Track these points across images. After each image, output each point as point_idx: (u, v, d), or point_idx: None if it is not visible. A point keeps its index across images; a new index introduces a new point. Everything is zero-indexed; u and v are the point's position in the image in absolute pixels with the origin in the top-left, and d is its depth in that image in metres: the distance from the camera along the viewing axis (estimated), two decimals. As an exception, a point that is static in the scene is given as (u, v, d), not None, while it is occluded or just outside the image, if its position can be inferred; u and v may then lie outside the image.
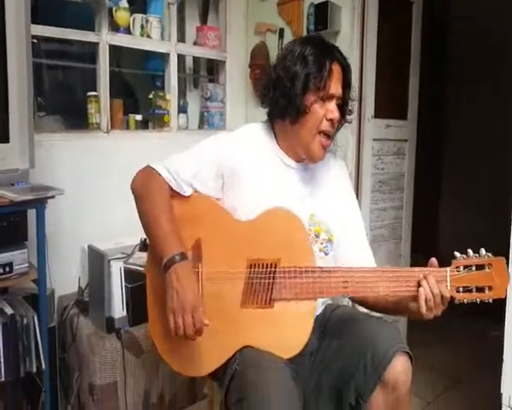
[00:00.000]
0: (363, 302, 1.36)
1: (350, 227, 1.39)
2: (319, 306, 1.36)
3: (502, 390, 1.62)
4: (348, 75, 1.29)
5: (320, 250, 1.32)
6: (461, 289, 1.17)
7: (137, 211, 1.31)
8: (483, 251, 1.18)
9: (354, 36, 2.34)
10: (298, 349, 1.20)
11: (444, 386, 2.36)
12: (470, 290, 1.18)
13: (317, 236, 1.32)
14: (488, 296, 1.17)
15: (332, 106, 1.26)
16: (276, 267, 1.22)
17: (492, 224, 1.21)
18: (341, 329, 1.28)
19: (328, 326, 1.33)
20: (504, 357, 1.61)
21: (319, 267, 1.22)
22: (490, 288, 1.17)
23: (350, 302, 1.42)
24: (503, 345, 1.61)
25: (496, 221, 1.22)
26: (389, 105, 2.51)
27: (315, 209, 1.33)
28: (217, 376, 1.27)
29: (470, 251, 1.18)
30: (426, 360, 2.41)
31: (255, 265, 1.23)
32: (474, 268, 1.17)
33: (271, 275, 1.22)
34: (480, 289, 1.17)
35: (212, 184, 1.31)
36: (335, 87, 1.25)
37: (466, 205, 3.72)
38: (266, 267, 1.22)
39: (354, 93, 1.34)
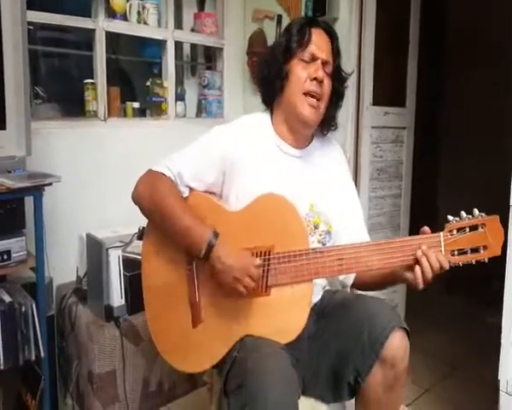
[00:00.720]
0: (358, 283, 1.38)
1: (348, 215, 1.39)
2: (318, 292, 1.36)
3: (499, 376, 1.63)
4: (335, 42, 1.32)
5: (318, 241, 1.32)
6: (456, 252, 1.17)
7: (148, 214, 1.30)
8: (476, 211, 1.17)
9: (352, 22, 2.32)
10: (296, 333, 1.20)
11: (441, 373, 2.38)
12: (465, 252, 1.17)
13: (316, 227, 1.31)
14: (483, 256, 1.16)
15: (317, 66, 1.27)
16: (269, 254, 1.22)
17: (491, 210, 1.20)
18: (339, 311, 1.29)
19: (327, 310, 1.33)
20: (502, 343, 1.61)
21: (313, 249, 1.22)
22: (485, 247, 1.16)
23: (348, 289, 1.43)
24: (500, 331, 1.62)
25: (495, 208, 1.21)
26: (387, 92, 2.51)
27: (315, 199, 1.32)
28: (216, 364, 1.28)
29: (463, 213, 1.17)
30: (423, 346, 2.42)
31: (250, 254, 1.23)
32: (467, 230, 1.16)
33: (266, 262, 1.22)
34: (474, 250, 1.16)
35: (211, 180, 1.30)
36: (319, 50, 1.28)
37: (464, 193, 3.72)
38: (260, 255, 1.22)
39: (348, 67, 1.38)
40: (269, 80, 1.31)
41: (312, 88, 1.27)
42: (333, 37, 1.32)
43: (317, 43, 1.28)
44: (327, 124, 1.37)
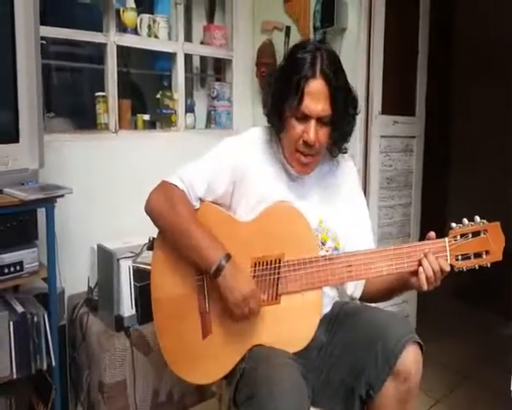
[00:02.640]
0: (367, 296, 1.37)
1: (357, 229, 1.38)
2: (329, 303, 1.36)
3: (511, 387, 1.61)
4: (337, 92, 1.19)
5: None
6: (459, 257, 1.20)
7: (161, 226, 1.30)
8: (477, 218, 1.21)
9: (361, 32, 2.32)
10: (306, 341, 1.20)
11: (453, 383, 2.34)
12: (468, 257, 1.20)
13: (324, 243, 1.31)
14: (486, 260, 1.20)
15: (309, 126, 1.20)
16: (279, 262, 1.22)
17: (502, 219, 1.20)
18: (350, 323, 1.28)
19: (337, 321, 1.32)
20: (514, 353, 1.60)
21: (322, 256, 1.23)
22: (487, 252, 1.20)
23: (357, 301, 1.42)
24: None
25: (506, 217, 1.22)
26: (397, 101, 2.50)
27: (323, 216, 1.32)
28: (226, 375, 1.28)
29: (465, 220, 1.21)
30: (435, 356, 2.39)
31: (259, 263, 1.24)
32: (470, 236, 1.20)
33: (276, 271, 1.23)
34: (477, 255, 1.20)
35: (222, 191, 1.30)
36: (313, 106, 1.18)
37: (475, 201, 3.69)
38: (270, 264, 1.23)
39: (351, 110, 1.27)
40: (268, 118, 1.30)
41: (303, 149, 1.23)
42: (336, 86, 1.19)
43: (312, 99, 1.18)
44: (335, 149, 1.32)
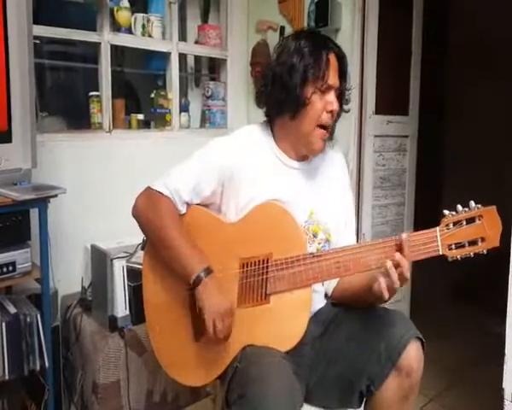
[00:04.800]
0: (342, 297, 1.36)
1: (343, 226, 1.39)
2: (321, 300, 1.37)
3: (503, 385, 1.62)
4: (344, 65, 1.29)
5: (317, 250, 1.30)
6: (453, 246, 1.14)
7: (146, 234, 1.31)
8: (472, 204, 1.15)
9: (355, 32, 2.34)
10: (297, 339, 1.20)
11: (447, 382, 2.35)
12: (463, 246, 1.14)
13: (315, 235, 1.31)
14: (481, 248, 1.14)
15: (331, 97, 1.25)
16: (267, 262, 1.22)
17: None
18: (351, 318, 1.28)
19: (338, 317, 1.32)
20: (506, 352, 1.60)
21: (310, 253, 1.22)
22: (482, 239, 1.14)
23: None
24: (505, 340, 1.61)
25: (500, 216, 1.20)
26: (390, 101, 2.51)
27: (315, 208, 1.32)
28: (220, 375, 1.28)
29: (459, 206, 1.15)
30: (429, 355, 2.37)
31: (248, 264, 1.24)
32: (464, 223, 1.14)
33: (264, 271, 1.22)
34: (472, 243, 1.14)
35: (209, 192, 1.29)
36: (333, 78, 1.25)
37: (468, 201, 3.72)
38: (258, 264, 1.23)
39: (350, 83, 1.33)
40: (281, 101, 1.26)
41: (327, 121, 1.26)
42: (341, 60, 1.28)
43: (332, 71, 1.24)
44: (334, 126, 1.34)
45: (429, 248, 1.15)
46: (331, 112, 1.25)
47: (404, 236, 1.15)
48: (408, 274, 1.13)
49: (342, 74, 1.28)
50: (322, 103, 1.24)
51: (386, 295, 1.14)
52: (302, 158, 1.34)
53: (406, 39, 2.60)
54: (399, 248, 1.15)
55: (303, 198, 1.30)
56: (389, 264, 1.13)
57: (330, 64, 1.24)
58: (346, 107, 1.34)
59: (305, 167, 1.34)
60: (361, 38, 2.35)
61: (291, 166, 1.33)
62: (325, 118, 1.25)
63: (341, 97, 1.30)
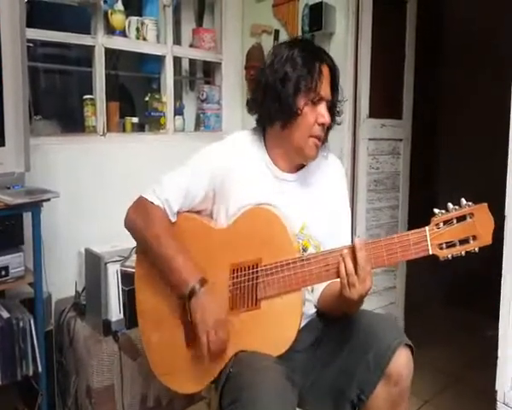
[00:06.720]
0: (324, 305, 1.34)
1: (336, 233, 1.36)
2: (313, 308, 1.36)
3: (496, 387, 1.62)
4: (336, 77, 1.28)
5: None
6: (443, 245, 1.12)
7: (139, 244, 1.33)
8: (463, 201, 1.12)
9: (349, 36, 2.35)
10: (288, 344, 1.19)
11: (441, 384, 2.36)
12: (453, 245, 1.11)
13: (305, 249, 1.30)
14: (473, 246, 1.11)
15: (322, 109, 1.24)
16: (257, 267, 1.22)
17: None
18: (341, 325, 1.27)
19: (329, 322, 1.32)
20: (499, 354, 1.61)
21: (299, 257, 1.21)
22: (474, 237, 1.11)
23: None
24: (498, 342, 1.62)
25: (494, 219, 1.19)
26: (384, 105, 2.52)
27: (307, 221, 1.30)
28: (214, 379, 1.27)
29: (450, 204, 1.12)
30: (423, 358, 2.39)
31: (238, 269, 1.24)
32: (455, 221, 1.11)
33: (254, 276, 1.22)
34: (463, 242, 1.11)
35: (200, 199, 1.30)
36: (325, 90, 1.24)
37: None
38: (248, 269, 1.23)
39: (342, 95, 1.32)
40: (273, 110, 1.25)
41: (318, 133, 1.26)
42: (334, 72, 1.28)
43: (324, 83, 1.24)
44: (326, 136, 1.34)
45: (419, 249, 1.13)
46: (322, 124, 1.25)
47: (356, 241, 1.15)
48: (363, 273, 1.12)
49: (334, 86, 1.28)
50: (313, 115, 1.24)
51: (347, 293, 1.12)
52: (295, 168, 1.33)
53: (400, 43, 2.62)
54: (354, 254, 1.14)
55: (294, 211, 1.28)
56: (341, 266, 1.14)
57: (323, 76, 1.23)
58: (338, 119, 1.33)
59: (297, 179, 1.33)
60: (355, 41, 2.36)
61: (282, 179, 1.31)
62: (316, 130, 1.25)
63: (333, 109, 1.29)
